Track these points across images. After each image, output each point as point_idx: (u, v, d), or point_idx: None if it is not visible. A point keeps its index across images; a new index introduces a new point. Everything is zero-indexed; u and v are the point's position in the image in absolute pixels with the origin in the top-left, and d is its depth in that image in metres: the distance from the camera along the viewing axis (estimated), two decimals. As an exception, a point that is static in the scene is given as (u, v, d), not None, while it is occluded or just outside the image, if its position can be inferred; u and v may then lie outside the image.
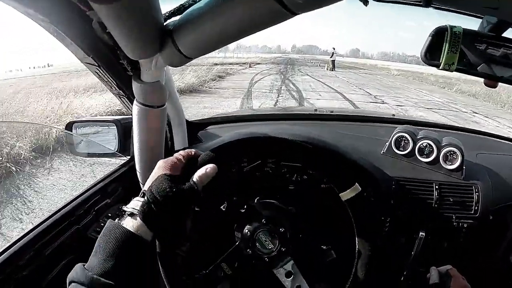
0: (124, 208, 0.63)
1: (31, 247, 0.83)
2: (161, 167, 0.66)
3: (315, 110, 1.67)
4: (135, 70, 0.75)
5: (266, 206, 0.92)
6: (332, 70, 24.73)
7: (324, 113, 1.61)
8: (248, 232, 0.86)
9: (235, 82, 14.54)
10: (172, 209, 0.62)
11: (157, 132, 0.85)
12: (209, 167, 0.67)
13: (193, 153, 0.71)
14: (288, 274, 0.85)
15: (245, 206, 0.89)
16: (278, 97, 10.51)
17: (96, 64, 0.78)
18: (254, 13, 0.51)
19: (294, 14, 0.49)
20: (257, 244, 0.85)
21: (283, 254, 0.85)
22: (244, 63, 27.08)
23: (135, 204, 0.63)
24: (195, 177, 0.65)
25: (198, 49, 0.62)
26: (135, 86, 0.75)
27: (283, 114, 1.62)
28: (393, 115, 1.84)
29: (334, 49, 26.38)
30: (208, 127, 1.35)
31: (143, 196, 0.63)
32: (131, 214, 0.62)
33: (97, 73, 0.83)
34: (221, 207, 0.88)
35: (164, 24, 0.62)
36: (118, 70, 0.79)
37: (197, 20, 0.57)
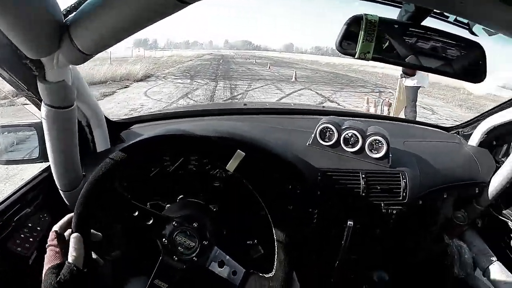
0: None
1: None
2: (46, 263, 0.72)
3: (244, 104, 1.68)
4: (40, 70, 0.72)
5: (185, 205, 0.91)
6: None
7: (253, 107, 1.63)
8: (165, 240, 0.83)
9: None
10: None
11: (68, 134, 0.82)
12: (72, 239, 0.73)
13: (58, 230, 0.76)
14: (220, 264, 0.84)
15: (151, 217, 0.84)
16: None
17: None
18: (147, 4, 0.52)
19: (185, 3, 0.51)
20: (179, 248, 0.83)
21: (207, 247, 0.84)
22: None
23: None
24: (70, 257, 0.71)
25: (95, 45, 0.62)
26: (40, 86, 0.72)
27: (212, 110, 1.60)
28: (323, 106, 1.92)
29: None
30: (132, 126, 1.30)
31: None
32: None
33: (1, 74, 0.78)
34: (134, 214, 0.83)
35: (64, 20, 0.60)
36: (22, 70, 0.75)
37: (92, 14, 0.57)
